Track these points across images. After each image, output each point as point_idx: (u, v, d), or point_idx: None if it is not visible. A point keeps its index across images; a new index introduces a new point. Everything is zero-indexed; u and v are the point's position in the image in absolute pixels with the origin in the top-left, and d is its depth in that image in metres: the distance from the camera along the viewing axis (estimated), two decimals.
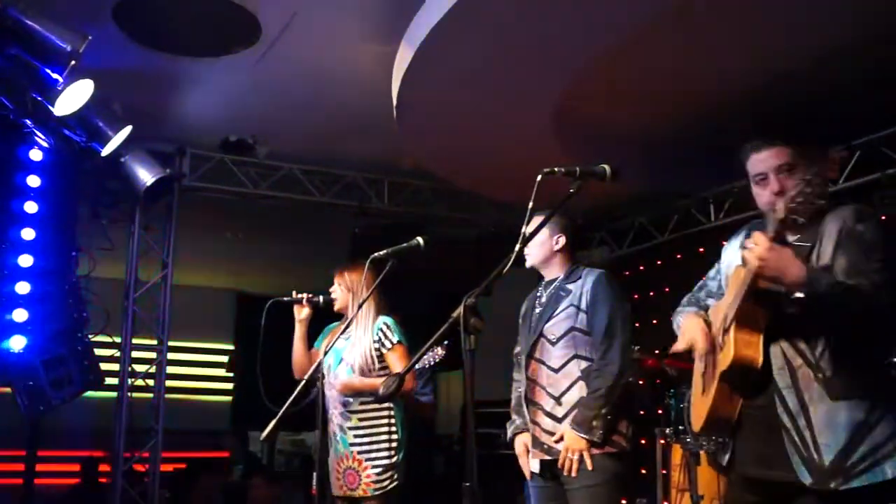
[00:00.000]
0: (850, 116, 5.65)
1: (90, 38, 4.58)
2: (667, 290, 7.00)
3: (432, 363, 5.36)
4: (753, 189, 2.84)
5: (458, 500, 2.33)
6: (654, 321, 6.47)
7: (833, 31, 4.79)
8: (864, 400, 2.54)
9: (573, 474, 3.52)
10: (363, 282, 4.25)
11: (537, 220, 3.12)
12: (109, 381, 6.44)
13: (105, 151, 5.70)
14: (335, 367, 4.42)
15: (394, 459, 4.27)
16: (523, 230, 2.64)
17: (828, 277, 2.51)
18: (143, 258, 7.07)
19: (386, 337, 4.37)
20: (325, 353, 4.11)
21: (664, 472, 6.37)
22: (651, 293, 7.64)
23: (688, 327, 2.98)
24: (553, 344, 3.70)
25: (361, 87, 6.04)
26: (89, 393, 6.08)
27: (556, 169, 2.60)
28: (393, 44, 5.36)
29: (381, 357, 4.37)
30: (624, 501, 4.32)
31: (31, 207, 5.77)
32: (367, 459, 4.25)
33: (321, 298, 4.58)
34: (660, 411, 6.30)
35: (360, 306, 4.22)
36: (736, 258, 2.94)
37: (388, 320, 4.43)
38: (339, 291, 4.56)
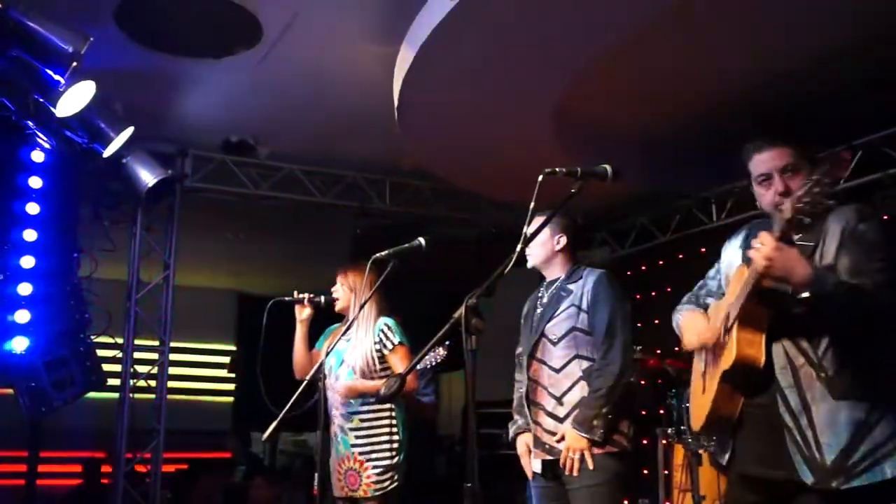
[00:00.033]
0: (850, 116, 5.65)
1: (92, 39, 4.58)
2: (668, 290, 7.00)
3: (434, 363, 5.37)
4: (756, 189, 2.84)
5: (460, 500, 2.33)
6: (656, 321, 6.47)
7: (833, 31, 4.80)
8: (864, 399, 2.54)
9: (575, 473, 3.52)
10: (365, 282, 4.26)
11: (538, 220, 3.13)
12: (111, 381, 6.45)
13: (107, 153, 5.70)
14: (336, 369, 4.42)
15: (395, 460, 4.27)
16: (524, 230, 2.65)
17: (833, 277, 2.52)
18: (145, 259, 7.08)
19: (387, 338, 4.37)
20: (327, 353, 4.11)
21: (666, 472, 6.37)
22: (653, 293, 7.64)
23: (692, 324, 2.98)
24: (554, 344, 3.71)
25: (362, 88, 6.05)
26: (91, 394, 6.09)
27: (557, 169, 2.61)
28: (394, 44, 5.36)
29: (381, 358, 4.37)
30: (626, 502, 4.32)
31: (32, 209, 5.78)
32: (367, 460, 4.26)
33: (322, 299, 4.58)
34: (661, 411, 6.31)
35: (361, 307, 4.22)
36: (736, 258, 2.95)
37: (389, 321, 4.43)
38: (342, 292, 4.56)
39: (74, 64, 4.60)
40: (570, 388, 3.64)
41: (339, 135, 7.00)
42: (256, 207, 7.82)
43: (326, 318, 4.68)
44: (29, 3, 4.53)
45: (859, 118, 5.74)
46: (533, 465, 3.76)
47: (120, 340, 6.82)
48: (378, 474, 4.23)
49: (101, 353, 6.25)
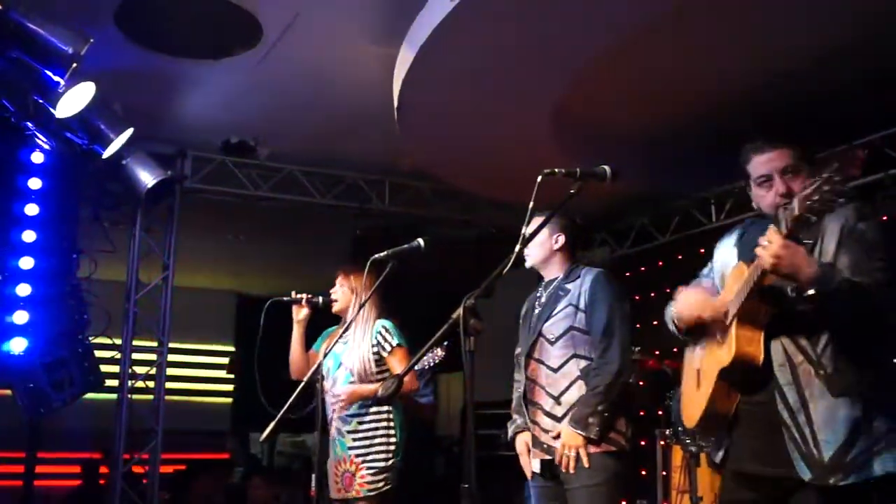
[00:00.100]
0: (850, 116, 5.65)
1: (92, 40, 4.58)
2: (668, 290, 6.95)
3: (432, 364, 5.37)
4: (755, 191, 2.84)
5: (458, 501, 2.33)
6: (655, 322, 6.42)
7: (833, 31, 4.80)
8: (862, 397, 2.55)
9: (571, 471, 3.52)
10: (364, 283, 4.25)
11: (537, 220, 3.13)
12: (110, 382, 6.46)
13: (106, 154, 5.71)
14: (334, 372, 4.42)
15: (390, 462, 4.27)
16: (523, 231, 2.64)
17: (838, 275, 2.53)
18: (144, 260, 7.08)
19: (385, 340, 4.37)
20: (325, 355, 4.10)
21: (664, 473, 6.37)
22: (652, 294, 7.62)
23: (687, 297, 2.97)
24: (552, 343, 3.70)
25: (362, 88, 6.05)
26: (90, 395, 6.09)
27: (556, 170, 2.61)
28: (394, 45, 5.36)
29: (379, 361, 4.37)
30: (624, 503, 4.31)
31: (32, 210, 5.79)
32: (363, 462, 4.26)
33: (320, 299, 4.57)
34: (660, 412, 6.30)
35: (360, 308, 4.22)
36: (731, 257, 2.95)
37: (387, 323, 4.43)
38: (341, 293, 4.55)
39: (74, 65, 4.60)
40: (567, 388, 3.64)
41: (338, 135, 7.00)
42: (256, 208, 7.82)
43: (324, 318, 4.67)
44: (29, 5, 4.53)
45: (859, 118, 5.73)
46: (532, 464, 3.75)
47: (119, 341, 6.82)
48: (372, 475, 4.23)
49: (99, 353, 6.26)
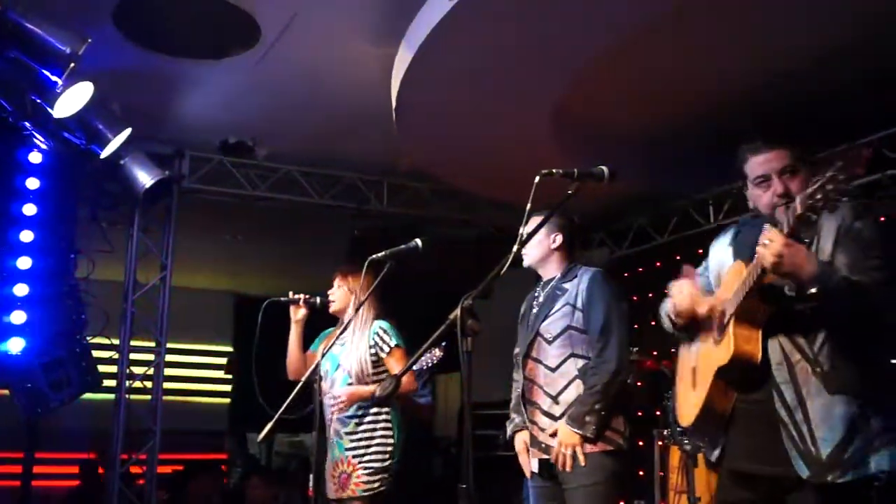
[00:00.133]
0: (850, 116, 5.64)
1: (90, 40, 4.58)
2: (666, 291, 6.97)
3: (430, 364, 5.36)
4: (752, 191, 2.83)
5: (456, 501, 2.32)
6: (653, 322, 6.43)
7: (833, 31, 4.80)
8: (858, 395, 2.56)
9: (567, 469, 3.52)
10: (361, 284, 4.24)
11: (535, 220, 3.12)
12: (107, 382, 6.45)
13: (104, 154, 5.69)
14: (332, 373, 4.42)
15: (386, 463, 4.26)
16: (521, 231, 2.64)
17: (839, 274, 2.53)
18: (142, 260, 7.07)
19: (383, 341, 4.36)
20: (323, 355, 4.10)
21: (662, 474, 6.36)
22: (650, 294, 7.60)
23: (680, 287, 2.96)
24: (549, 343, 3.70)
25: (360, 88, 6.04)
26: (87, 395, 6.08)
27: (553, 171, 2.61)
28: (392, 45, 5.35)
29: (377, 362, 4.36)
30: (622, 503, 4.30)
31: (29, 210, 5.78)
32: (359, 462, 4.25)
33: (318, 300, 4.56)
34: (657, 413, 6.29)
35: (358, 308, 4.21)
36: (726, 256, 2.95)
37: (385, 324, 4.42)
38: (339, 293, 4.54)
39: (72, 65, 4.59)
40: (565, 387, 3.63)
41: (337, 135, 6.99)
42: (254, 208, 7.81)
43: (322, 319, 4.66)
44: (27, 4, 4.52)
45: (859, 118, 5.72)
46: (531, 464, 3.75)
47: (116, 341, 6.81)
48: (368, 475, 4.23)
49: (97, 354, 6.26)
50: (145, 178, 6.11)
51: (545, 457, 3.64)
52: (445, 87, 5.60)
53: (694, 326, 2.96)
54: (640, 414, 6.27)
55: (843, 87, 5.33)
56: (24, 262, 5.70)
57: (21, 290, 5.66)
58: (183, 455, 9.77)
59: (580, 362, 3.64)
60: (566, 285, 3.77)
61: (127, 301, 6.89)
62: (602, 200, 7.29)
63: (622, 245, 8.66)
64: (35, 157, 5.81)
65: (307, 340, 4.61)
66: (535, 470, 3.72)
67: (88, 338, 6.15)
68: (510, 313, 4.13)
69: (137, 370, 6.93)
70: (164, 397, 7.01)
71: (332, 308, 4.54)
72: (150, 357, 7.05)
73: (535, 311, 3.85)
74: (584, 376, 3.60)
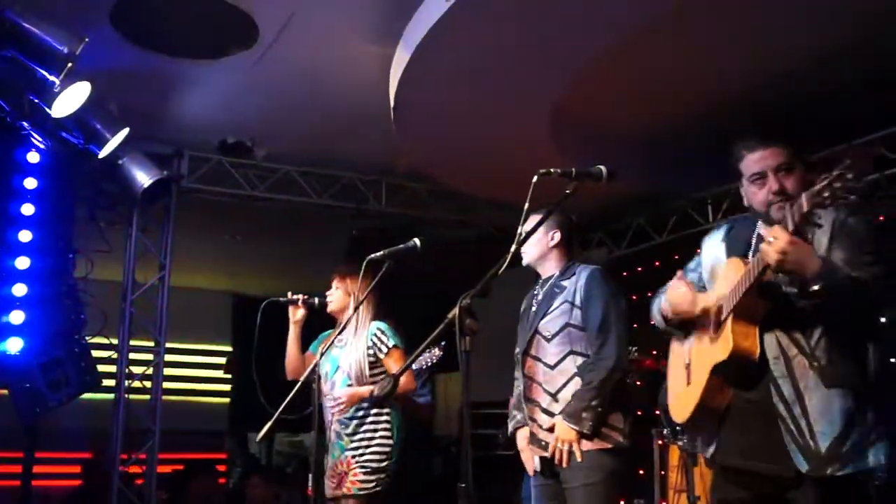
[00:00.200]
0: (850, 116, 5.64)
1: (87, 40, 4.57)
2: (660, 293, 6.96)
3: (430, 364, 5.35)
4: (748, 188, 2.83)
5: (456, 501, 2.32)
6: (652, 322, 6.44)
7: (833, 31, 4.79)
8: (854, 388, 2.57)
9: (564, 464, 3.51)
10: (360, 284, 4.24)
11: (534, 219, 3.11)
12: (106, 382, 6.44)
13: (102, 153, 5.69)
14: (332, 375, 4.42)
15: (384, 464, 4.26)
16: (519, 230, 2.64)
17: (841, 270, 2.53)
18: (141, 260, 7.06)
19: (381, 342, 4.35)
20: (322, 354, 4.09)
21: (662, 473, 6.36)
22: (649, 294, 7.58)
23: (676, 290, 2.96)
24: (548, 341, 3.69)
25: (359, 88, 6.03)
26: (86, 395, 6.08)
27: (552, 170, 2.60)
28: (391, 44, 5.35)
29: (375, 363, 4.36)
30: (622, 502, 4.29)
31: (28, 210, 5.77)
32: (357, 462, 4.25)
33: (316, 300, 4.56)
34: (657, 412, 6.29)
35: (356, 307, 4.20)
36: (719, 252, 2.95)
37: (382, 325, 4.41)
38: (337, 294, 4.54)
39: (69, 65, 4.59)
40: (565, 385, 3.62)
41: (335, 136, 6.98)
42: (252, 208, 7.80)
43: (320, 320, 4.65)
44: (25, 4, 4.51)
45: (859, 118, 5.72)
46: (534, 462, 3.74)
47: (115, 341, 6.81)
48: (365, 474, 4.22)
49: (96, 353, 6.24)
50: (144, 177, 6.10)
51: (545, 454, 3.64)
52: (444, 87, 5.59)
53: (687, 323, 2.97)
54: (639, 413, 6.27)
55: (843, 87, 5.33)
56: (22, 262, 5.70)
57: (19, 289, 5.66)
58: (182, 455, 9.77)
59: (579, 360, 3.63)
60: (565, 283, 3.76)
61: (126, 301, 6.88)
62: (601, 200, 7.28)
63: (621, 244, 8.66)
64: (33, 157, 5.81)
65: (306, 341, 4.61)
66: (537, 468, 3.71)
67: (87, 338, 6.14)
68: (509, 313, 4.13)
69: (136, 370, 6.92)
70: (164, 397, 7.01)
71: (330, 308, 4.54)
72: (150, 357, 7.05)
73: (534, 309, 3.84)
74: (583, 373, 3.60)
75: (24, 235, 5.73)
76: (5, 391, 5.81)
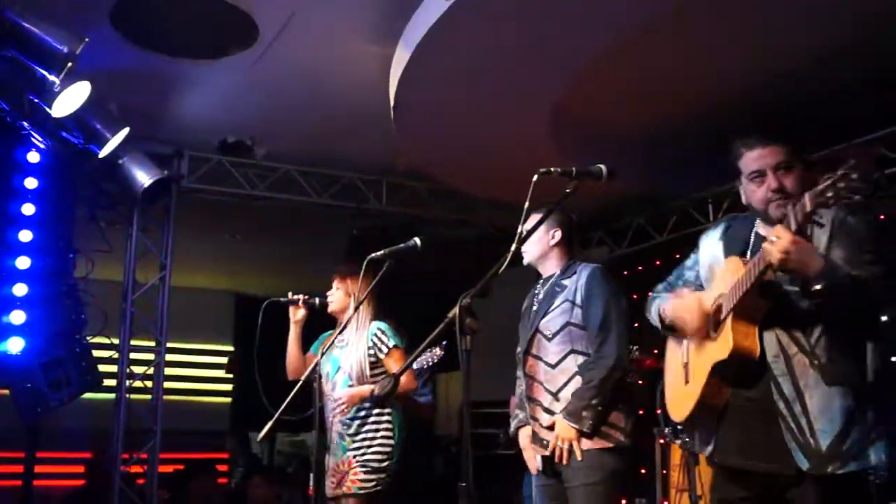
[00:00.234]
0: (850, 116, 5.63)
1: (87, 39, 4.57)
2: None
3: (431, 364, 5.35)
4: (746, 186, 2.83)
5: (456, 500, 2.32)
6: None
7: (833, 31, 4.79)
8: (854, 386, 2.58)
9: (564, 462, 3.52)
10: (360, 283, 4.24)
11: (534, 219, 3.12)
12: (107, 382, 6.44)
13: (102, 153, 5.69)
14: (333, 375, 4.42)
15: (384, 464, 4.26)
16: (519, 229, 2.64)
17: (842, 269, 2.53)
18: (141, 260, 7.06)
19: (381, 342, 4.36)
20: (322, 354, 4.09)
21: (664, 472, 6.36)
22: (649, 293, 7.60)
23: (686, 304, 2.95)
24: (549, 340, 3.69)
25: (359, 88, 6.03)
26: (87, 394, 6.07)
27: (552, 169, 2.60)
28: (391, 44, 5.35)
29: (376, 363, 4.36)
30: (623, 501, 4.30)
31: (28, 209, 5.77)
32: (357, 461, 4.26)
33: (317, 300, 4.56)
34: (658, 411, 6.29)
35: (357, 307, 4.21)
36: (717, 250, 2.95)
37: (382, 325, 4.42)
38: (337, 295, 4.54)
39: (69, 65, 4.59)
40: (566, 384, 3.62)
41: (335, 135, 6.98)
42: (253, 208, 7.80)
43: (321, 320, 4.66)
44: (25, 4, 4.51)
45: (859, 118, 5.72)
46: (536, 461, 3.75)
47: (116, 341, 6.81)
48: (365, 473, 4.23)
49: (97, 353, 6.25)
50: (144, 177, 6.10)
51: (547, 453, 3.64)
52: (444, 87, 5.59)
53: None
54: (641, 412, 6.27)
55: (843, 87, 5.32)
56: (22, 262, 5.70)
57: (20, 289, 5.66)
58: (184, 455, 9.77)
59: (580, 359, 3.63)
60: (565, 282, 3.76)
61: (126, 300, 6.88)
62: (601, 199, 7.29)
63: (621, 244, 8.66)
64: (33, 157, 5.81)
65: (306, 341, 4.61)
66: (540, 467, 3.71)
67: (88, 337, 6.14)
68: (509, 312, 4.13)
69: (137, 370, 6.92)
70: (165, 397, 7.00)
71: (331, 309, 4.54)
72: (150, 357, 7.05)
73: (535, 308, 3.84)
74: (583, 372, 3.60)
75: (25, 235, 5.72)
76: (6, 391, 5.82)
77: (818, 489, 2.54)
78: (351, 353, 4.36)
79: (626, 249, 8.57)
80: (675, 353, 3.04)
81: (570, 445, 3.51)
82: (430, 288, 7.43)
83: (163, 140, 6.98)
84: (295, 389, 3.65)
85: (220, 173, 7.33)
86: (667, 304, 3.06)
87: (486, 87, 5.56)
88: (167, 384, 7.14)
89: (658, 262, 7.98)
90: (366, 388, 4.26)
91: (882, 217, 5.10)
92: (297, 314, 4.56)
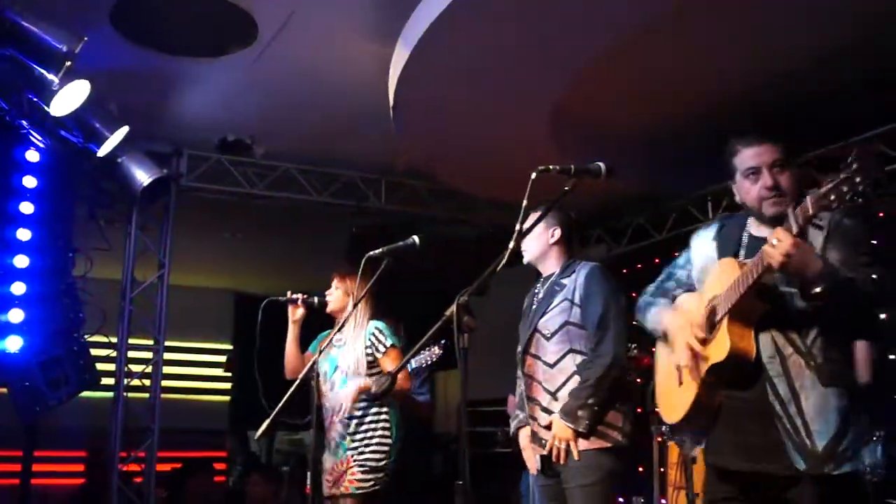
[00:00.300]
0: (850, 116, 5.63)
1: (86, 38, 4.58)
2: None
3: (430, 362, 5.34)
4: (741, 183, 2.82)
5: (453, 498, 2.32)
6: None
7: (833, 31, 4.79)
8: (850, 388, 2.59)
9: (561, 461, 3.51)
10: (358, 282, 4.24)
11: (532, 217, 3.11)
12: (106, 381, 6.43)
13: (102, 152, 5.69)
14: (331, 375, 4.42)
15: (382, 463, 4.27)
16: (517, 227, 2.63)
17: (841, 271, 2.53)
18: (140, 258, 7.05)
19: (379, 341, 4.36)
20: (320, 353, 4.09)
21: (661, 470, 6.36)
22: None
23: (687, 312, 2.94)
24: (548, 339, 3.68)
25: (359, 87, 6.02)
26: (86, 393, 6.08)
27: (550, 167, 2.60)
28: (390, 43, 5.34)
29: (373, 363, 4.36)
30: (621, 500, 4.30)
31: (27, 208, 5.77)
32: (355, 461, 4.26)
33: (316, 300, 4.56)
34: (656, 409, 6.29)
35: (355, 305, 4.21)
36: (710, 250, 2.94)
37: (380, 325, 4.42)
38: (336, 294, 4.54)
39: (68, 63, 4.59)
40: (564, 383, 3.61)
41: (335, 134, 6.98)
42: (252, 207, 7.80)
43: (320, 319, 4.65)
44: (24, 4, 4.51)
45: (859, 118, 5.72)
46: (536, 461, 3.75)
47: (114, 340, 6.80)
48: (363, 472, 4.23)
49: (95, 352, 6.24)
50: (143, 176, 6.10)
51: (545, 453, 3.63)
52: (443, 86, 5.59)
53: None
54: (639, 411, 6.28)
55: (843, 86, 5.32)
56: (21, 261, 5.70)
57: (18, 288, 5.66)
58: (182, 453, 9.77)
59: (579, 358, 3.62)
60: (564, 281, 3.75)
61: (125, 299, 6.88)
62: (600, 197, 7.28)
63: (620, 242, 8.65)
64: (32, 156, 5.81)
65: (305, 341, 4.61)
66: (539, 467, 3.71)
67: (86, 336, 6.13)
68: (508, 311, 4.12)
69: (136, 368, 6.92)
70: (164, 395, 7.00)
71: (329, 308, 4.54)
72: (149, 355, 7.04)
73: (534, 307, 3.83)
74: (581, 371, 3.59)
75: (24, 234, 5.73)
76: (4, 390, 5.81)
77: (815, 489, 2.54)
78: (348, 352, 4.36)
79: (626, 248, 8.56)
80: (667, 354, 3.02)
81: (567, 445, 3.50)
82: (428, 287, 7.43)
83: (162, 139, 6.99)
84: (292, 388, 3.64)
85: (219, 172, 7.33)
86: (665, 318, 3.03)
87: (486, 86, 5.56)
88: (166, 383, 7.15)
89: (657, 261, 7.97)
90: (366, 381, 4.26)
91: (881, 214, 5.11)
92: (296, 313, 4.56)
